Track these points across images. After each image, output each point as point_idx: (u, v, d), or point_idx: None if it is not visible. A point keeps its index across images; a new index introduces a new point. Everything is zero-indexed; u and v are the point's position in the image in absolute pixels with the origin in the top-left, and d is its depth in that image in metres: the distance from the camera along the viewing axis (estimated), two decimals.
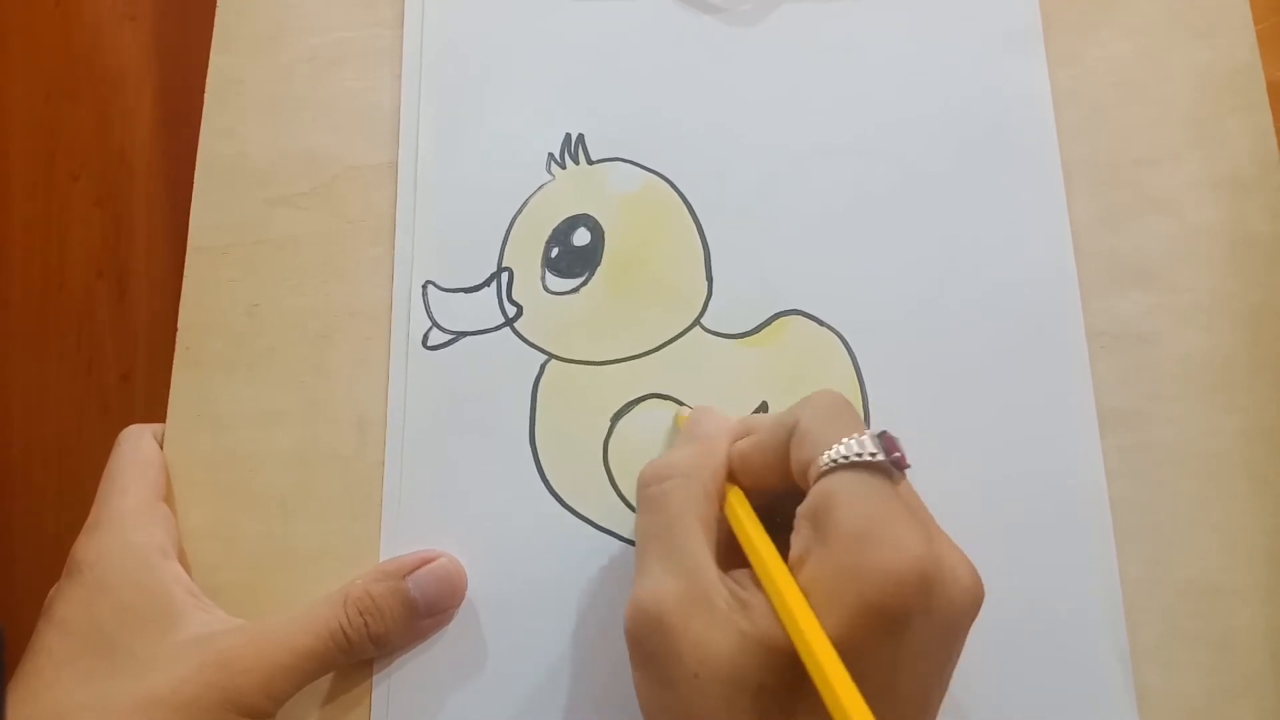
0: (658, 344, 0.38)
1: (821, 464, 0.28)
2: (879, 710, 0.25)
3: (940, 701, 0.28)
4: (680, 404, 0.38)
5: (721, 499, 0.31)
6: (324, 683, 0.35)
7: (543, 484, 0.37)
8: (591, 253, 0.39)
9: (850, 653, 0.25)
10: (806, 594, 0.27)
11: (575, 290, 0.39)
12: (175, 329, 0.39)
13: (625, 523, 0.37)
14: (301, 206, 0.40)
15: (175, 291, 0.40)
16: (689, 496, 0.30)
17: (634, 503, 0.37)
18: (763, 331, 0.38)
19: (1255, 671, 0.35)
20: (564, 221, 0.40)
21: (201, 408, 0.38)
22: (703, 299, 0.39)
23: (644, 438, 0.37)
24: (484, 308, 0.39)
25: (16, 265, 0.45)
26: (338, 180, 0.40)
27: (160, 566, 0.34)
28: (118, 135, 0.46)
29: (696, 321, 0.39)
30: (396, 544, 0.37)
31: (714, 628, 0.27)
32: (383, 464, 0.38)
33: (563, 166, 0.40)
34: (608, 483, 0.37)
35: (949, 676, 0.28)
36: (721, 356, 0.38)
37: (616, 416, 0.38)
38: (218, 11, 0.42)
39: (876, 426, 0.35)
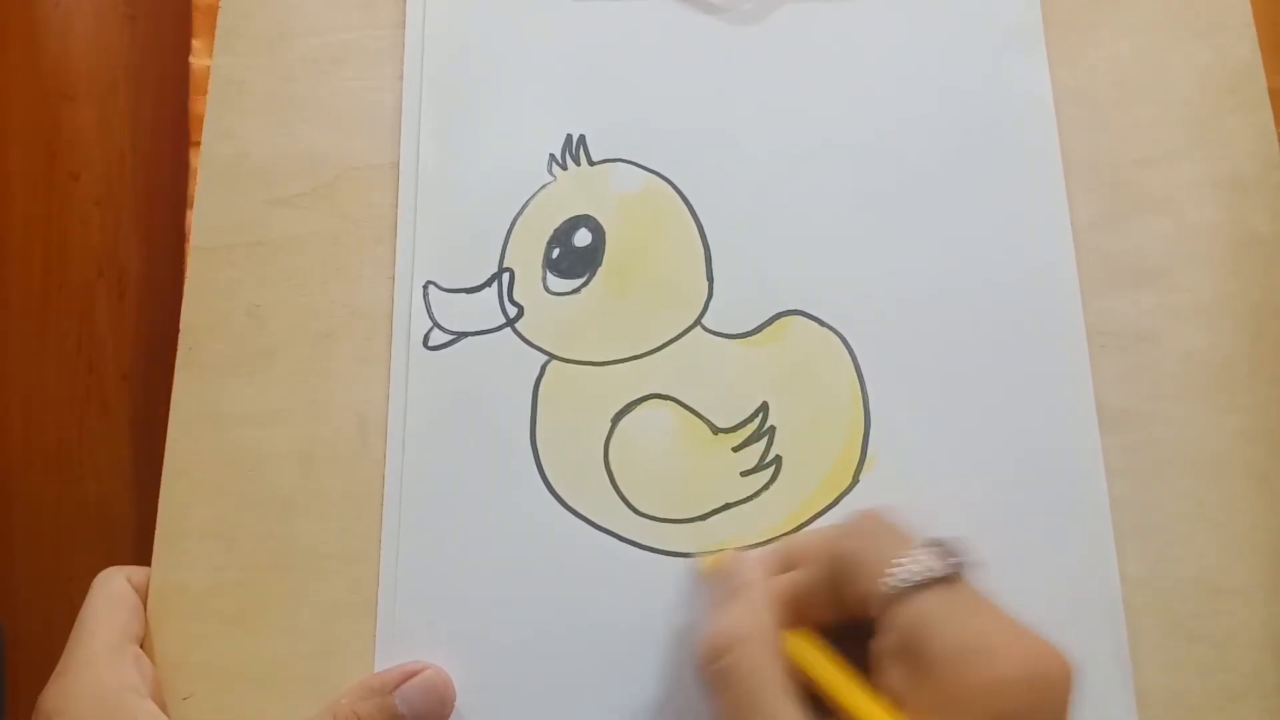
0: (659, 344, 0.38)
1: (888, 592, 0.28)
2: None
3: None
4: (681, 404, 0.38)
5: (781, 644, 0.30)
6: None
7: (543, 484, 0.37)
8: (592, 253, 0.39)
9: None
10: None
11: (576, 291, 0.39)
12: (175, 329, 0.39)
13: (625, 523, 0.37)
14: (303, 207, 0.40)
15: (175, 291, 0.40)
16: (759, 662, 0.29)
17: (635, 503, 0.37)
18: (764, 331, 0.38)
19: (1256, 671, 0.35)
20: (565, 222, 0.40)
21: (203, 408, 0.38)
22: (703, 299, 0.39)
23: (645, 438, 0.37)
24: (485, 308, 0.39)
25: (16, 265, 0.45)
26: (339, 180, 0.40)
27: (134, 706, 0.33)
28: (117, 135, 0.46)
29: (697, 322, 0.39)
30: (397, 544, 0.37)
31: None
32: (384, 464, 0.38)
33: (564, 167, 0.40)
34: (608, 483, 0.37)
35: None
36: (722, 357, 0.38)
37: (617, 417, 0.38)
38: (220, 12, 0.42)
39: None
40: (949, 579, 0.28)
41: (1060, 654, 0.27)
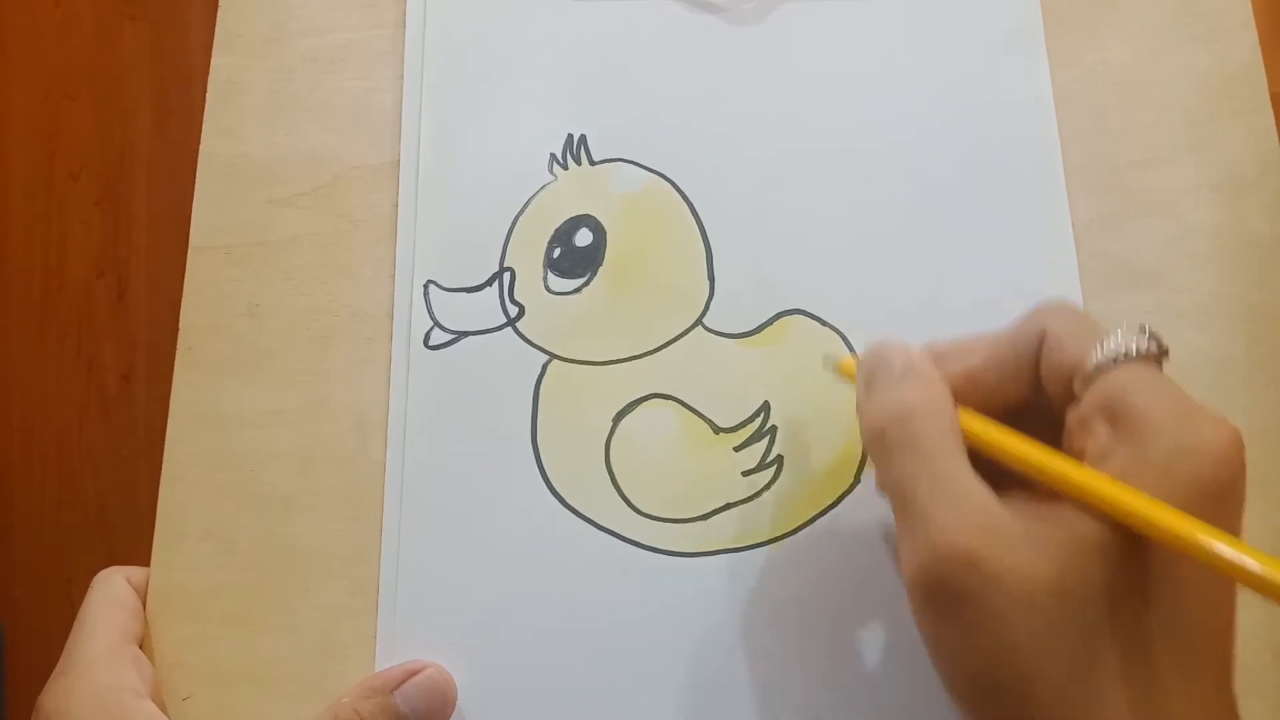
0: (660, 344, 0.38)
1: (1101, 362, 0.28)
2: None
3: None
4: (683, 404, 0.38)
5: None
6: None
7: (544, 484, 0.37)
8: (593, 253, 0.39)
9: None
10: (1133, 483, 0.26)
11: (577, 290, 0.39)
12: (175, 329, 0.39)
13: (627, 523, 0.37)
14: (303, 207, 0.40)
15: (175, 291, 0.40)
16: (941, 429, 0.28)
17: (636, 503, 0.37)
18: (765, 331, 0.38)
19: (1257, 671, 0.35)
20: (566, 222, 0.40)
21: (203, 408, 0.38)
22: (705, 299, 0.39)
23: (646, 438, 0.37)
24: (486, 308, 0.39)
25: (16, 265, 0.45)
26: (339, 180, 0.40)
27: (133, 707, 0.33)
28: (117, 135, 0.46)
29: (698, 321, 0.39)
30: (397, 544, 0.37)
31: (1028, 547, 0.25)
32: (384, 464, 0.38)
33: (565, 167, 0.40)
34: (609, 483, 0.37)
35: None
36: (723, 356, 0.38)
37: (618, 417, 0.38)
38: (220, 12, 0.42)
39: None
40: (1154, 357, 0.28)
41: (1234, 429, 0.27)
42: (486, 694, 0.35)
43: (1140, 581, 0.26)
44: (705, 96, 0.41)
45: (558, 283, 0.39)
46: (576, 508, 0.37)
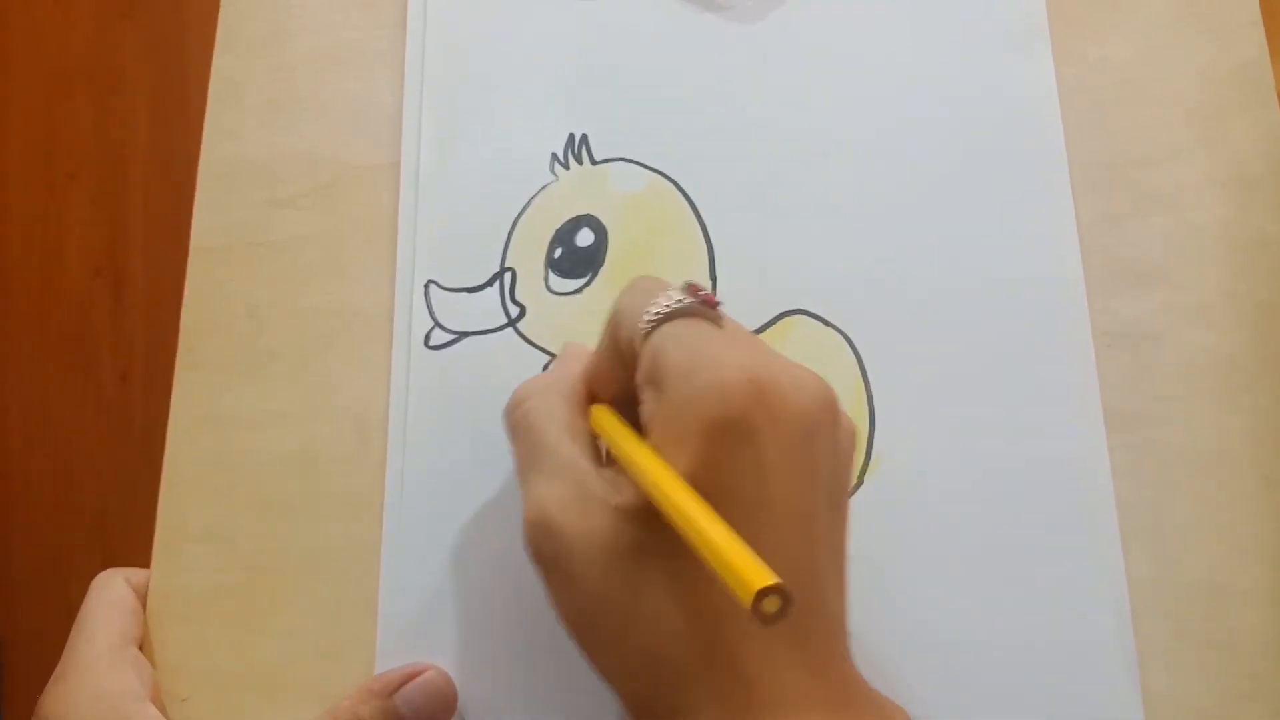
0: None
1: (641, 329, 0.29)
2: (755, 523, 0.25)
3: (833, 521, 0.29)
4: None
5: (585, 410, 0.32)
6: None
7: None
8: (595, 253, 0.39)
9: (708, 478, 0.26)
10: (657, 449, 0.27)
11: (578, 291, 0.39)
12: (174, 329, 0.39)
13: None
14: (303, 207, 0.40)
15: (174, 291, 0.40)
16: (550, 408, 0.31)
17: None
18: (767, 331, 0.38)
19: (1263, 673, 0.34)
20: (567, 222, 0.40)
21: (203, 409, 0.38)
22: None
23: None
24: (487, 308, 0.39)
25: (16, 265, 0.45)
26: (339, 181, 0.40)
27: (133, 710, 0.33)
28: (115, 134, 0.46)
29: None
30: (397, 545, 0.36)
31: (593, 515, 0.28)
32: (384, 464, 0.37)
33: (566, 167, 0.40)
34: None
35: (835, 492, 0.29)
36: None
37: None
38: (221, 12, 0.42)
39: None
40: (697, 312, 0.29)
41: (807, 375, 0.29)
42: (487, 696, 0.35)
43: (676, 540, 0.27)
44: (707, 95, 0.41)
45: (559, 283, 0.39)
46: None
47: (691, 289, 0.29)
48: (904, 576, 0.35)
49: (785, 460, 0.27)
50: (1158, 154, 0.39)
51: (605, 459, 0.31)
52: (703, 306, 0.29)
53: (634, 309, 0.30)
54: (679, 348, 0.28)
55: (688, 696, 0.27)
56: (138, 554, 0.38)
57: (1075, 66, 0.40)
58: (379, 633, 0.36)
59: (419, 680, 0.34)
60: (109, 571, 0.37)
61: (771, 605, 0.22)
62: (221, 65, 0.42)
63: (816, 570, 0.28)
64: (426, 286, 0.39)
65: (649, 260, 0.39)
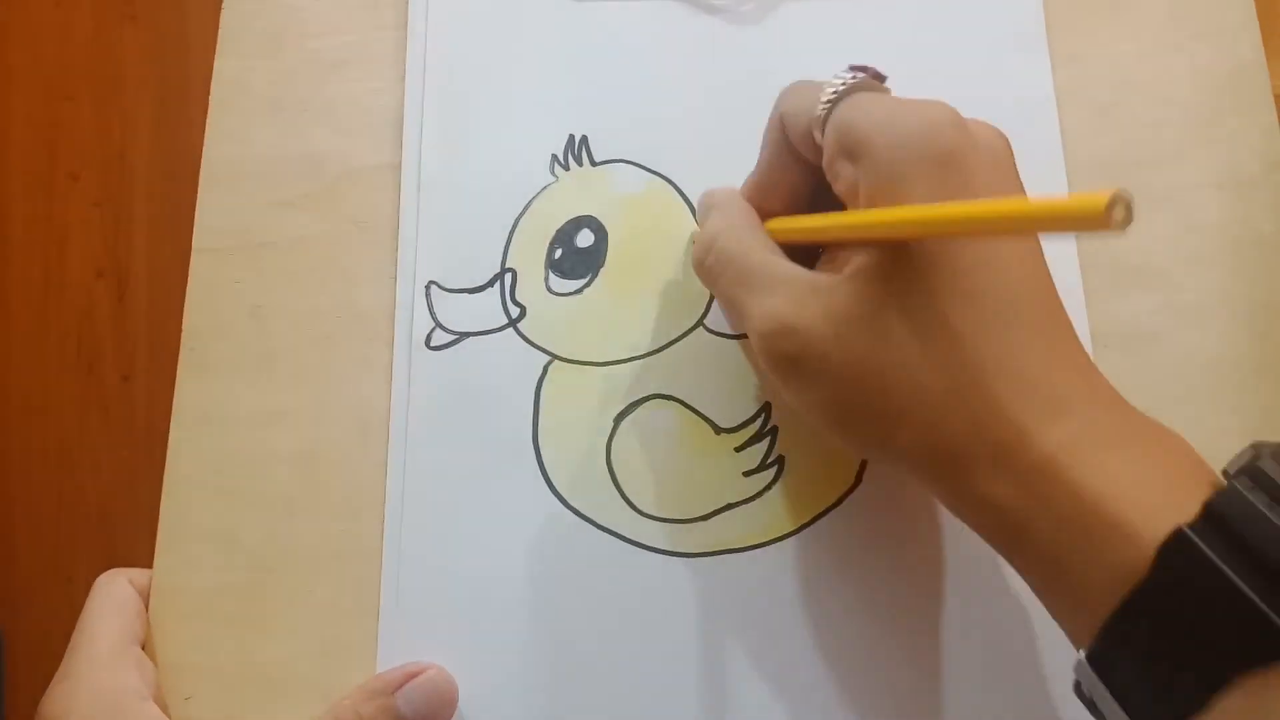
0: (661, 344, 0.38)
1: (820, 112, 0.30)
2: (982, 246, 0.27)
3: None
4: (684, 405, 0.38)
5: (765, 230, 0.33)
6: None
7: (545, 484, 0.37)
8: (595, 254, 0.39)
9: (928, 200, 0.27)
10: (874, 205, 0.28)
11: (578, 291, 0.39)
12: (175, 330, 0.39)
13: (628, 523, 0.37)
14: (305, 208, 0.40)
15: (175, 292, 0.40)
16: (740, 237, 0.32)
17: (638, 504, 0.37)
18: None
19: None
20: (567, 223, 0.40)
21: (206, 409, 0.38)
22: (705, 300, 0.39)
23: (647, 438, 0.37)
24: (487, 308, 0.39)
25: (16, 266, 0.45)
26: (341, 182, 0.40)
27: (136, 709, 0.33)
28: (117, 135, 0.46)
29: (699, 322, 0.39)
30: (399, 544, 0.37)
31: (825, 297, 0.28)
32: (386, 464, 0.38)
33: (566, 168, 0.40)
34: (611, 483, 0.37)
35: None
36: (724, 357, 0.38)
37: (620, 417, 0.38)
38: (222, 14, 0.42)
39: None
40: (871, 86, 0.30)
41: (990, 124, 0.30)
42: (488, 695, 0.35)
43: (920, 278, 0.27)
44: (706, 97, 0.41)
45: (559, 283, 0.39)
46: (578, 508, 0.37)
47: (857, 68, 0.30)
48: (901, 579, 0.36)
49: (992, 190, 0.28)
50: (1155, 155, 0.40)
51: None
52: (873, 80, 0.30)
53: (804, 102, 0.31)
54: (871, 111, 0.29)
55: (961, 420, 0.27)
56: (140, 553, 0.38)
57: (1073, 68, 0.40)
58: (380, 631, 0.36)
59: (420, 679, 0.34)
60: (111, 572, 0.37)
61: (1121, 211, 0.21)
62: (223, 67, 0.42)
63: (1049, 280, 0.29)
64: (428, 287, 0.39)
65: (648, 261, 0.39)
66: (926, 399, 0.27)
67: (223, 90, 0.42)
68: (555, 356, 0.38)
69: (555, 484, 0.37)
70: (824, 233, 0.30)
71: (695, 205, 0.40)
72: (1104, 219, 0.21)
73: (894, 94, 0.31)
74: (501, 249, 0.39)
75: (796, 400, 0.30)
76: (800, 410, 0.30)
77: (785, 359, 0.29)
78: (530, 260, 0.39)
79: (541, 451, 0.37)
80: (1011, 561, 0.27)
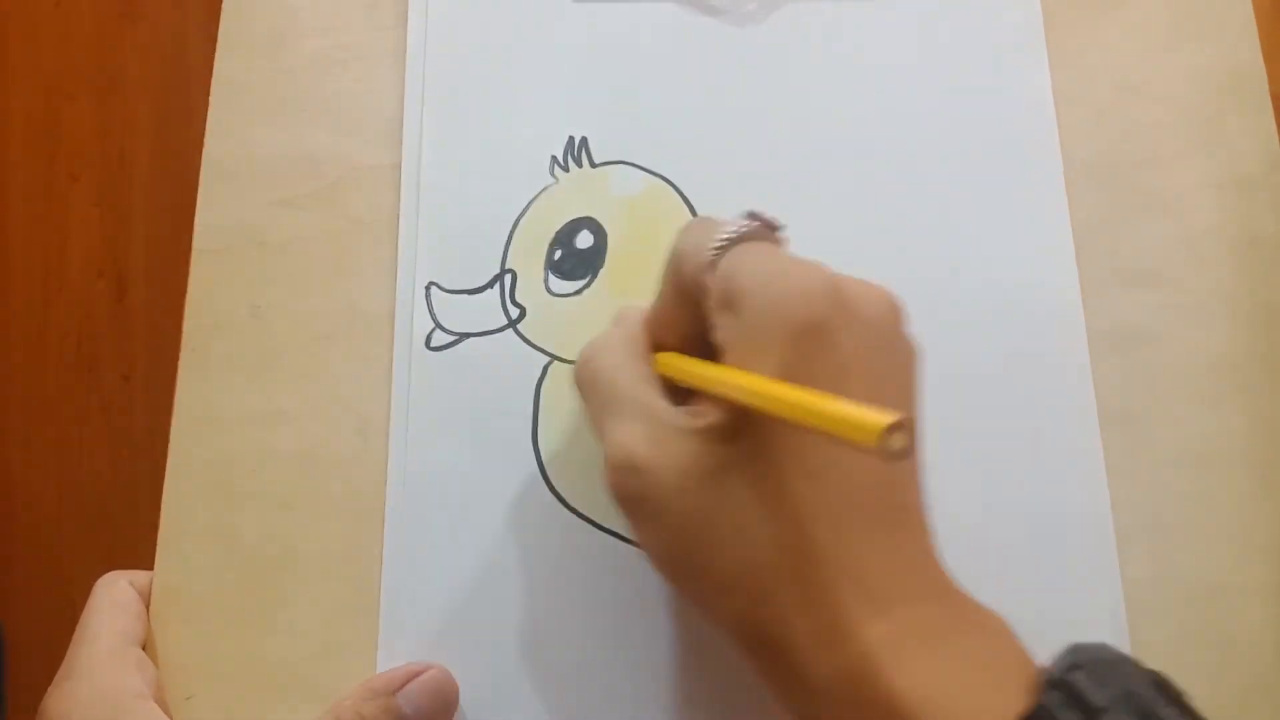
0: None
1: (708, 257, 0.29)
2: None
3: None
4: None
5: (650, 359, 0.32)
6: None
7: (545, 484, 0.37)
8: (594, 255, 0.39)
9: (793, 380, 0.26)
10: (739, 364, 0.28)
11: (578, 292, 0.39)
12: (175, 330, 0.39)
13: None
14: (305, 208, 0.40)
15: (176, 292, 0.40)
16: (617, 359, 0.32)
17: None
18: None
19: (1261, 673, 0.35)
20: (567, 224, 0.40)
21: (205, 409, 0.38)
22: None
23: None
24: (487, 309, 0.39)
25: (16, 266, 0.45)
26: (341, 182, 0.40)
27: (137, 709, 0.33)
28: (117, 135, 0.46)
29: None
30: (399, 544, 0.37)
31: (674, 443, 0.28)
32: (386, 465, 0.38)
33: (565, 169, 0.40)
34: None
35: (905, 391, 0.30)
36: None
37: None
38: (222, 14, 0.42)
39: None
40: (762, 235, 0.30)
41: (878, 288, 0.29)
42: (488, 694, 0.35)
43: (766, 447, 0.27)
44: (706, 99, 0.41)
45: (559, 284, 0.39)
46: (577, 508, 0.37)
47: (752, 215, 0.30)
48: None
49: (863, 362, 0.28)
50: (1155, 156, 0.40)
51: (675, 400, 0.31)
52: (766, 230, 0.30)
53: (697, 244, 0.30)
54: (752, 266, 0.29)
55: (786, 600, 0.27)
56: (140, 554, 0.38)
57: (1072, 70, 0.41)
58: (381, 631, 0.36)
59: (421, 679, 0.34)
60: (112, 573, 0.37)
61: (899, 440, 0.21)
62: (223, 66, 0.42)
63: (899, 468, 0.28)
64: (427, 288, 0.39)
65: (648, 262, 0.39)
66: (756, 571, 0.27)
67: (223, 90, 0.42)
68: (555, 357, 0.38)
69: (555, 484, 0.37)
70: (697, 379, 0.29)
71: (695, 208, 0.40)
72: (878, 440, 0.21)
73: (786, 246, 0.31)
74: (501, 250, 0.39)
75: (636, 536, 0.30)
76: (641, 546, 0.30)
77: (628, 496, 0.29)
78: (530, 261, 0.39)
79: (541, 452, 0.37)
80: None
